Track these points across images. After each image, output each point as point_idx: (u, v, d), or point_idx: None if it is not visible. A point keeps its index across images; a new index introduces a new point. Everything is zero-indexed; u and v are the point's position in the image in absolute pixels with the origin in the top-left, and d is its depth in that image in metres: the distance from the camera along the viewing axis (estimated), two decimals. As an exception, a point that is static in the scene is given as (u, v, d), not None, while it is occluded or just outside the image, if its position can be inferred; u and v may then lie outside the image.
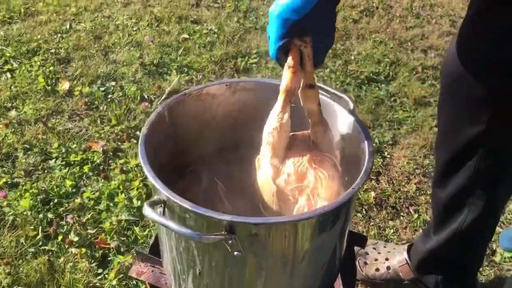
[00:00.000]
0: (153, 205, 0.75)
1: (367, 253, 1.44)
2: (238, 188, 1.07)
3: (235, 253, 0.75)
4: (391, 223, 1.63)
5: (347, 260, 1.01)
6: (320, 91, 0.97)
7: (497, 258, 1.50)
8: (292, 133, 0.91)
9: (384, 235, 1.59)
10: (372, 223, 1.62)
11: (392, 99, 2.17)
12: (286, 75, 0.84)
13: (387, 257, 1.41)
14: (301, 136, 0.92)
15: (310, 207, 0.81)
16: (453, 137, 1.08)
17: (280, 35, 0.81)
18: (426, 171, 1.82)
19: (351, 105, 0.94)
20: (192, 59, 2.37)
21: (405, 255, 1.37)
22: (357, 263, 1.42)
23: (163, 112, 0.93)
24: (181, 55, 2.41)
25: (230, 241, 0.72)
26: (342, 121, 0.94)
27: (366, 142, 0.85)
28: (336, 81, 2.25)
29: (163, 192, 0.75)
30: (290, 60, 0.83)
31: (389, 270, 1.38)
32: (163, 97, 2.11)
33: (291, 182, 0.84)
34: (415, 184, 1.76)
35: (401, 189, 1.75)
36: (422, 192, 1.74)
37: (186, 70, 2.30)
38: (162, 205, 0.78)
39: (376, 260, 1.42)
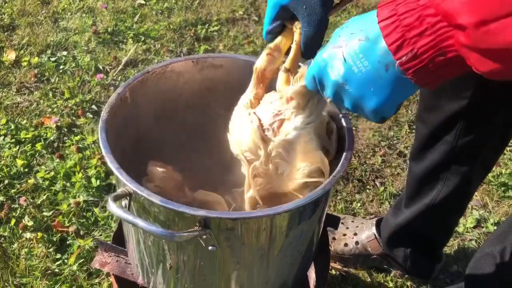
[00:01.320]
0: (117, 199, 0.69)
1: (336, 229, 1.43)
2: (205, 169, 1.02)
3: (210, 247, 0.70)
4: (357, 196, 1.62)
5: (321, 244, 0.99)
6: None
7: (460, 229, 1.53)
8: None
9: (351, 208, 1.59)
10: (339, 197, 1.61)
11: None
12: (261, 55, 0.80)
13: (356, 232, 1.41)
14: None
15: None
16: (434, 112, 1.06)
17: (270, 17, 0.77)
18: (391, 143, 1.82)
19: None
20: (149, 27, 2.25)
21: (374, 230, 1.37)
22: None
23: (124, 93, 0.85)
24: (137, 23, 2.27)
25: (204, 236, 0.67)
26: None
27: (345, 125, 0.81)
28: (300, 50, 2.19)
29: (128, 185, 0.68)
30: (272, 42, 0.79)
31: (357, 245, 1.38)
32: (119, 68, 1.99)
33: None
34: (380, 156, 1.76)
35: (367, 161, 1.74)
36: (387, 164, 1.74)
37: (143, 38, 2.18)
38: (128, 198, 0.71)
39: (344, 235, 1.42)
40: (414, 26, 0.51)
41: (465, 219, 1.56)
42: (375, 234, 1.36)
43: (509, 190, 1.65)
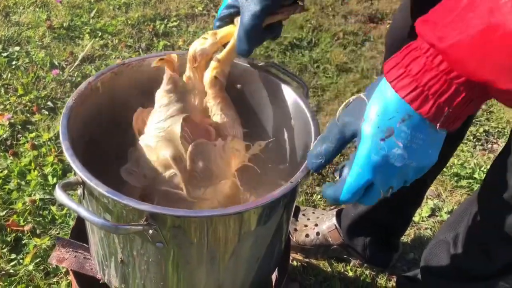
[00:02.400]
0: (68, 186, 0.67)
1: (296, 220, 1.45)
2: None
3: (157, 244, 0.69)
4: (317, 188, 1.65)
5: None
6: (272, 70, 0.92)
7: (416, 218, 1.58)
8: None
9: (312, 200, 1.61)
10: (300, 190, 1.63)
11: (315, 65, 2.18)
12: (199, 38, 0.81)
13: (316, 223, 1.43)
14: None
15: None
16: None
17: (223, 6, 0.77)
18: (350, 136, 1.85)
19: (305, 90, 0.92)
20: (106, 22, 2.20)
21: (334, 220, 1.39)
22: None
23: (95, 82, 0.84)
24: (93, 18, 2.22)
25: (150, 231, 0.66)
26: (292, 105, 0.90)
27: (313, 131, 0.81)
28: (260, 47, 2.20)
29: (78, 172, 0.67)
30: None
31: (318, 236, 1.40)
32: (75, 64, 1.95)
33: None
34: (339, 149, 1.79)
35: (327, 155, 1.77)
36: (346, 157, 1.77)
37: (100, 34, 2.13)
38: (82, 187, 0.70)
39: (305, 226, 1.44)
40: (443, 90, 0.52)
41: (420, 208, 1.61)
42: (335, 225, 1.39)
43: (461, 180, 1.72)
